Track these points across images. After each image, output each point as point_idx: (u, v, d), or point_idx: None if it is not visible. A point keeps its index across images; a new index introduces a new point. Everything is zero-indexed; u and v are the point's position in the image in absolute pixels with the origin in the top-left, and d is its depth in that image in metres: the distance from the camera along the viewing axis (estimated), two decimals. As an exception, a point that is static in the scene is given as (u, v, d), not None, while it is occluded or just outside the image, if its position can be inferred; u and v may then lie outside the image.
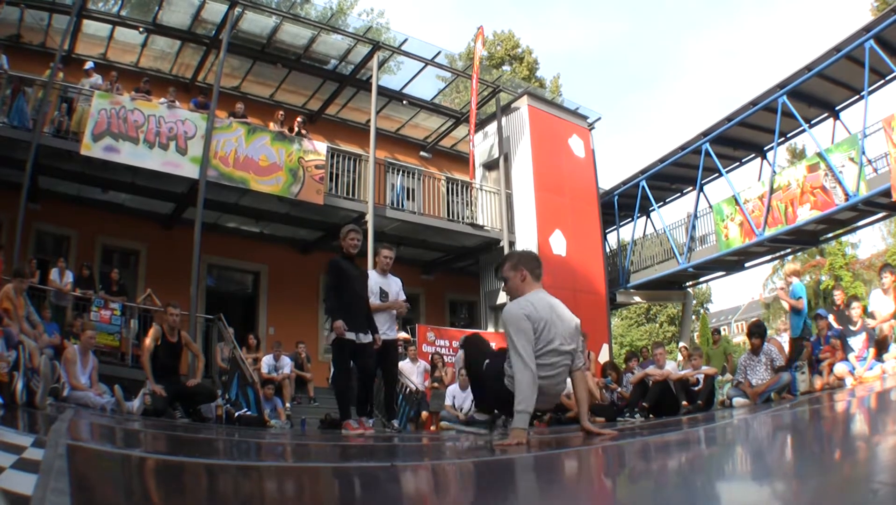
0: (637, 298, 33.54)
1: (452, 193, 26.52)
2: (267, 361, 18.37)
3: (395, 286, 12.36)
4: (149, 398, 13.14)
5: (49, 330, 14.81)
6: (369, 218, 22.55)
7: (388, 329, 12.03)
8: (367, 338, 11.28)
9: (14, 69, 19.79)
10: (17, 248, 17.79)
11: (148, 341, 13.66)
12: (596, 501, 2.73)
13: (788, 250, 30.74)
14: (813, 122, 25.97)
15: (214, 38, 23.68)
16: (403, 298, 12.47)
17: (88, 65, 21.63)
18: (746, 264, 29.42)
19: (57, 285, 18.36)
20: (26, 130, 18.54)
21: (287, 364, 18.48)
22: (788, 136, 28.02)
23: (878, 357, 14.16)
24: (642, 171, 30.31)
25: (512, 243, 25.68)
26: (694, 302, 45.27)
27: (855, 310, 15.10)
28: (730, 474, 3.14)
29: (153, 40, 24.58)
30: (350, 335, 11.06)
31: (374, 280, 12.10)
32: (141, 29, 23.54)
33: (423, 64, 26.00)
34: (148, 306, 20.09)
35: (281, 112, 24.21)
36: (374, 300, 11.85)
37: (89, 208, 22.47)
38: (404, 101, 28.08)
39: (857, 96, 24.50)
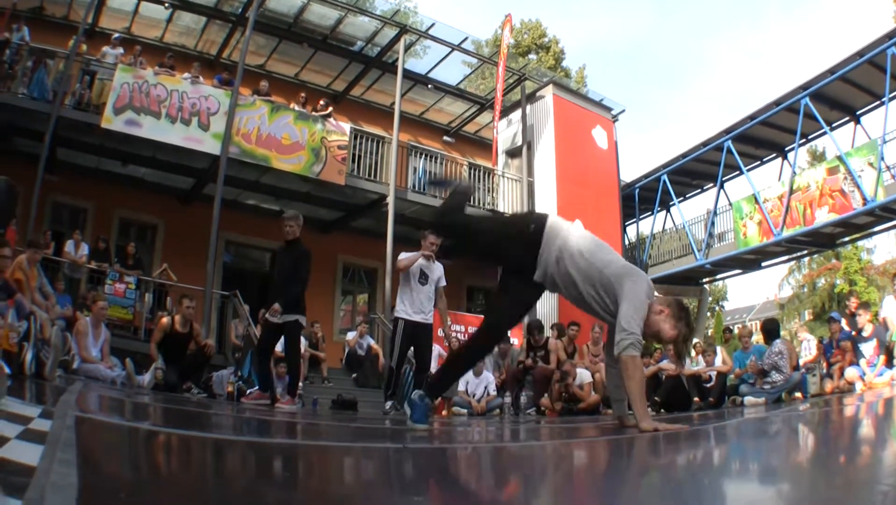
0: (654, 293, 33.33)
1: (474, 179, 26.44)
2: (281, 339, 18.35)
3: (437, 271, 12.41)
4: (160, 373, 13.27)
5: (61, 302, 14.85)
6: (390, 200, 22.64)
7: (423, 311, 12.19)
8: (282, 318, 12.00)
9: (36, 41, 19.86)
10: (33, 220, 17.84)
11: (157, 334, 13.93)
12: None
13: (805, 252, 30.57)
14: (834, 125, 25.78)
15: (241, 15, 23.63)
16: (444, 284, 12.53)
17: (115, 36, 21.70)
18: (763, 263, 29.25)
19: (71, 257, 18.44)
20: (46, 102, 18.58)
21: (301, 343, 18.42)
22: (809, 137, 27.82)
23: (889, 364, 14.17)
24: (664, 166, 30.15)
25: (532, 231, 25.59)
26: (710, 299, 45.13)
27: (862, 317, 15.13)
28: (750, 473, 3.16)
29: (178, 16, 24.58)
30: (267, 315, 12.00)
31: (419, 262, 12.19)
32: (166, 4, 23.48)
33: (450, 49, 25.98)
34: (163, 281, 20.13)
35: (303, 94, 24.36)
36: (413, 283, 12.09)
37: (108, 181, 22.51)
38: (429, 86, 28.09)
39: (878, 102, 24.36)
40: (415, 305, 12.00)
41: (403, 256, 12.32)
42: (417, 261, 12.10)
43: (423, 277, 12.14)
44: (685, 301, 8.23)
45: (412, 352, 12.51)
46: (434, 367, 17.78)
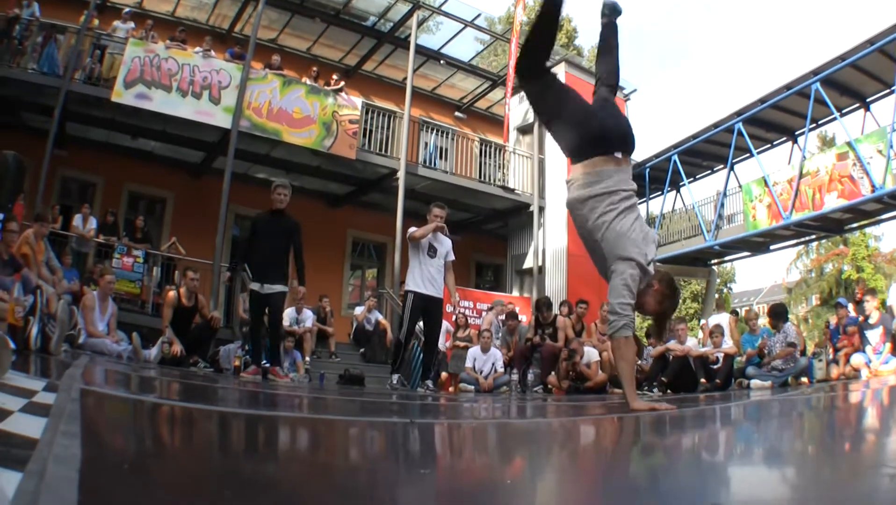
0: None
1: (485, 155, 26.61)
2: (289, 313, 18.17)
3: (446, 244, 12.48)
4: (166, 346, 13.30)
5: (69, 276, 14.91)
6: (401, 175, 22.70)
7: (434, 285, 12.23)
8: (271, 288, 11.91)
9: (47, 16, 19.91)
10: (41, 194, 17.93)
11: (167, 311, 14.02)
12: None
13: (813, 236, 30.48)
14: (844, 111, 25.75)
15: (253, -11, 23.50)
16: (452, 258, 12.58)
17: (127, 10, 21.71)
18: (772, 247, 29.16)
19: (79, 231, 18.48)
20: (56, 77, 18.63)
21: (309, 317, 18.34)
22: (820, 122, 27.78)
23: (895, 352, 14.18)
24: (675, 146, 30.02)
25: (542, 208, 25.84)
26: (718, 281, 45.16)
27: (869, 303, 15.16)
28: (746, 456, 3.16)
29: (191, -10, 24.46)
30: (254, 285, 11.93)
31: (428, 236, 12.22)
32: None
33: (463, 25, 25.99)
34: (171, 254, 20.17)
35: (315, 68, 24.29)
36: (422, 256, 12.11)
37: (117, 155, 22.60)
38: (442, 61, 28.08)
39: (888, 90, 24.29)
40: (425, 279, 12.03)
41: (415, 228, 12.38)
42: (428, 235, 12.13)
43: (432, 251, 12.19)
44: (679, 281, 8.24)
45: (421, 327, 12.55)
46: (442, 343, 17.85)
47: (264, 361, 12.85)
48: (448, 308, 14.70)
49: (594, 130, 6.40)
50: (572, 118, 6.54)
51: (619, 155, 6.30)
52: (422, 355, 13.20)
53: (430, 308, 12.09)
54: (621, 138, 6.50)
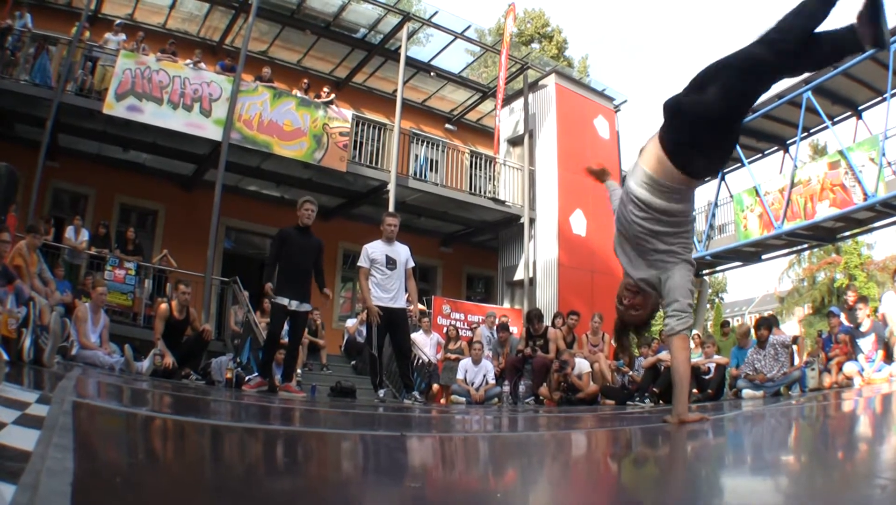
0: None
1: (476, 167, 26.54)
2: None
3: (403, 254, 12.53)
4: (158, 359, 13.28)
5: (61, 288, 14.84)
6: (391, 187, 22.55)
7: (396, 296, 12.23)
8: (301, 306, 12.09)
9: (39, 28, 19.91)
10: (33, 206, 17.87)
11: (159, 323, 13.99)
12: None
13: (805, 246, 30.52)
14: (836, 119, 25.79)
15: (243, 1, 23.46)
16: (412, 265, 12.65)
17: (118, 22, 21.72)
18: (763, 256, 29.15)
19: (71, 243, 18.43)
20: (48, 88, 18.60)
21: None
22: (811, 131, 27.87)
23: (888, 359, 14.17)
24: (666, 156, 30.07)
25: (532, 220, 25.72)
26: (710, 291, 45.16)
27: (861, 311, 15.14)
28: (739, 466, 3.16)
29: (181, 2, 24.47)
30: (282, 300, 11.85)
31: (380, 249, 12.38)
32: (169, -10, 23.42)
33: (453, 37, 25.93)
34: (163, 267, 20.14)
35: (305, 80, 24.33)
36: (381, 269, 12.18)
37: (109, 167, 22.51)
38: (432, 73, 28.02)
39: (880, 98, 24.32)
40: (386, 291, 12.13)
41: (368, 249, 12.48)
42: (380, 247, 12.47)
43: (391, 263, 12.28)
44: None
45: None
46: (432, 355, 17.83)
47: (256, 375, 12.85)
48: (438, 320, 14.67)
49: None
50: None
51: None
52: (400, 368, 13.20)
53: (394, 319, 12.10)
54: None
